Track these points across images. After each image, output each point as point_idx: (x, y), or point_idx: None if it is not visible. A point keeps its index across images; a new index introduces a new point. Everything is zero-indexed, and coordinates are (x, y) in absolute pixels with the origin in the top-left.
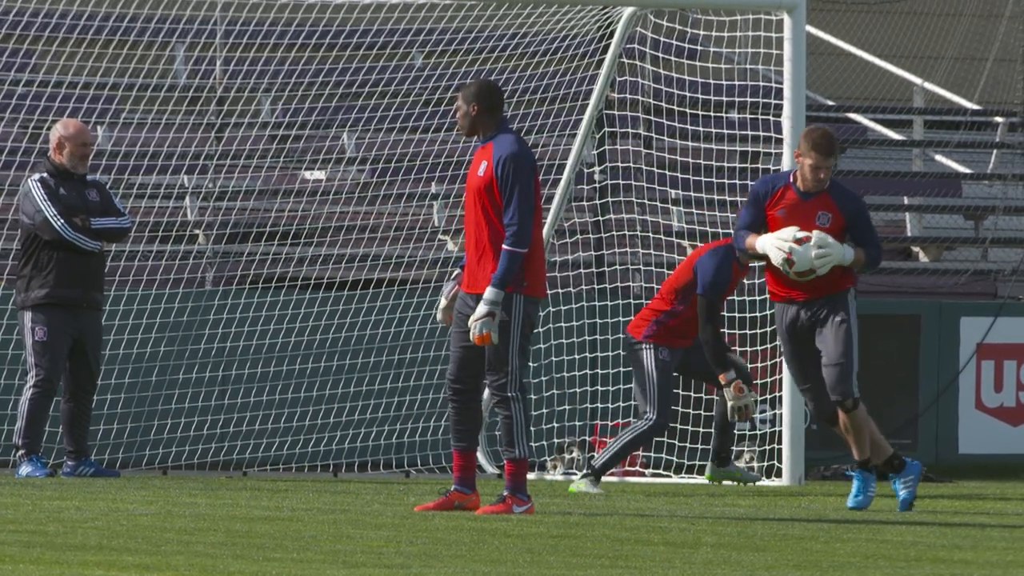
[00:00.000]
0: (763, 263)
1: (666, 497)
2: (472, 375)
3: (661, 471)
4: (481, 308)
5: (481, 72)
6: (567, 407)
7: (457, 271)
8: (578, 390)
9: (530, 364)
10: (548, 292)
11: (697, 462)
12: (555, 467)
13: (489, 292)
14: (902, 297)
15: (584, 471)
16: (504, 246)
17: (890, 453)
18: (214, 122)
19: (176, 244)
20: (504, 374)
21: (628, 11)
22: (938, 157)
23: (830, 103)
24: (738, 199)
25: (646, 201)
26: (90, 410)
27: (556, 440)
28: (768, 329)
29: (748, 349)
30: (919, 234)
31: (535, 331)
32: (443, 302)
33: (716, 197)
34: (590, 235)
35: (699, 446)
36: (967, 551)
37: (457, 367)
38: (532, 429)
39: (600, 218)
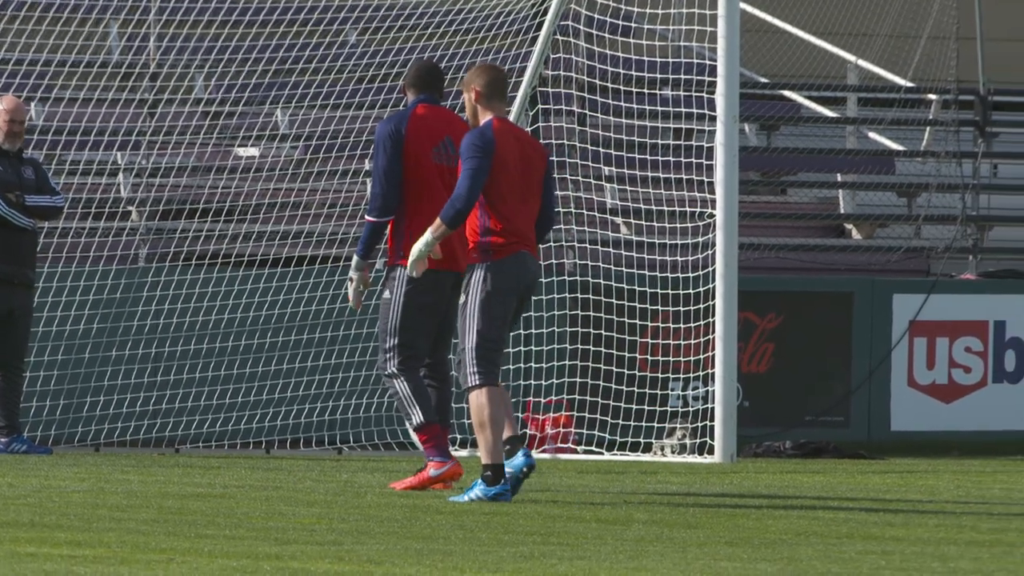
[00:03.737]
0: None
1: (598, 474)
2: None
3: (593, 448)
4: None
5: (415, 49)
6: (501, 384)
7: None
8: (511, 367)
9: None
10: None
11: (630, 439)
12: None
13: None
14: (835, 274)
15: None
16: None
17: (491, 462)
18: (147, 98)
19: (109, 221)
20: (385, 351)
21: None
22: (871, 134)
23: (764, 80)
24: (671, 176)
25: (580, 178)
26: (21, 386)
27: None
28: (701, 306)
29: (682, 326)
30: (852, 211)
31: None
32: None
33: (650, 174)
34: None
35: (632, 423)
36: (899, 528)
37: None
38: (427, 395)
39: None
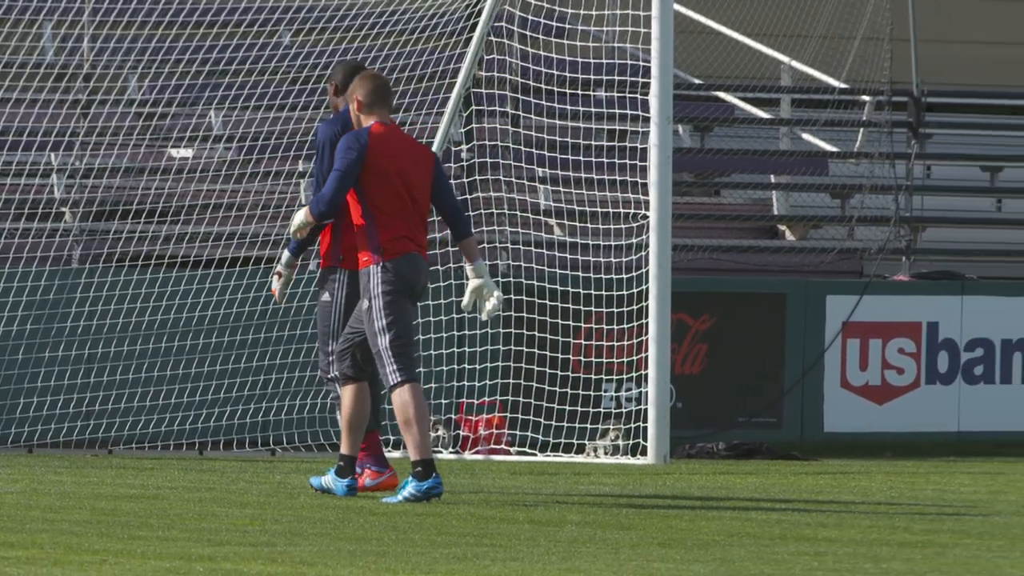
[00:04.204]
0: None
1: (531, 476)
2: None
3: (526, 449)
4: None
5: (349, 50)
6: (433, 385)
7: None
8: (444, 368)
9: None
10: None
11: (563, 440)
12: None
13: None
14: (768, 275)
15: None
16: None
17: (420, 458)
18: (81, 99)
19: (42, 222)
20: (327, 354)
21: None
22: (805, 136)
23: (697, 81)
24: (606, 177)
25: (514, 179)
26: None
27: None
28: (635, 307)
29: (615, 327)
30: (786, 212)
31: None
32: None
33: (584, 175)
34: None
35: (565, 424)
36: (832, 529)
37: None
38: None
39: (467, 196)
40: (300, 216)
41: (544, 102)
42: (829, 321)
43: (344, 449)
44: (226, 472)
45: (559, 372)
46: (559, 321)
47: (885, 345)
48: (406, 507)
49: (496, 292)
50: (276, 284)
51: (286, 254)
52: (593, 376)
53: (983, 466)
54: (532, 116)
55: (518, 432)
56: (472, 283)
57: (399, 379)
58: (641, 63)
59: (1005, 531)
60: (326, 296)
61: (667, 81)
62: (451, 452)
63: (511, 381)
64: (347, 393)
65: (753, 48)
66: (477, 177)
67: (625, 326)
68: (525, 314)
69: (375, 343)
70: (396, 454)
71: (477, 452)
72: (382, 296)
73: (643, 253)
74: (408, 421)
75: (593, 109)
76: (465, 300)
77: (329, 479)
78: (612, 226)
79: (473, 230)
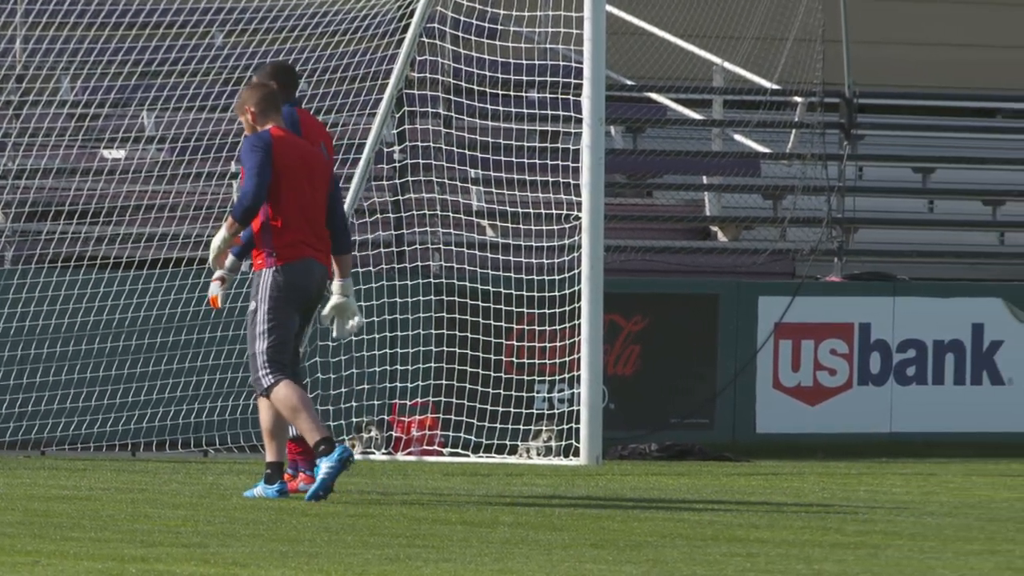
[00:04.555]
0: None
1: (464, 476)
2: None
3: (459, 450)
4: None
5: (282, 51)
6: (366, 386)
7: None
8: (377, 369)
9: (325, 343)
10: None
11: (496, 441)
12: (353, 446)
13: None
14: (700, 276)
15: None
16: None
17: (319, 438)
18: (13, 100)
19: None
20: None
21: None
22: (737, 137)
23: (630, 83)
24: (538, 178)
25: (446, 180)
26: None
27: (354, 419)
28: (567, 308)
29: (548, 328)
30: (718, 213)
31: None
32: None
33: (516, 176)
34: (390, 214)
35: (498, 425)
36: (764, 530)
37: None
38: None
39: (400, 197)
40: (220, 235)
41: (476, 103)
42: (761, 322)
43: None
44: (159, 473)
45: (492, 373)
46: (491, 322)
47: (817, 346)
48: (338, 508)
49: (358, 316)
50: (219, 290)
51: (231, 259)
52: (526, 377)
53: (915, 467)
54: (464, 117)
55: (451, 433)
56: (335, 299)
57: (272, 380)
58: (573, 64)
59: (937, 532)
60: (252, 304)
61: (599, 82)
62: (384, 453)
63: (444, 382)
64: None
65: (685, 49)
66: (410, 178)
67: (558, 327)
68: (458, 315)
69: (253, 346)
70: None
71: (410, 453)
72: (269, 300)
73: (575, 254)
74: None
75: (525, 110)
76: (325, 312)
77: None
78: (545, 227)
79: (352, 249)
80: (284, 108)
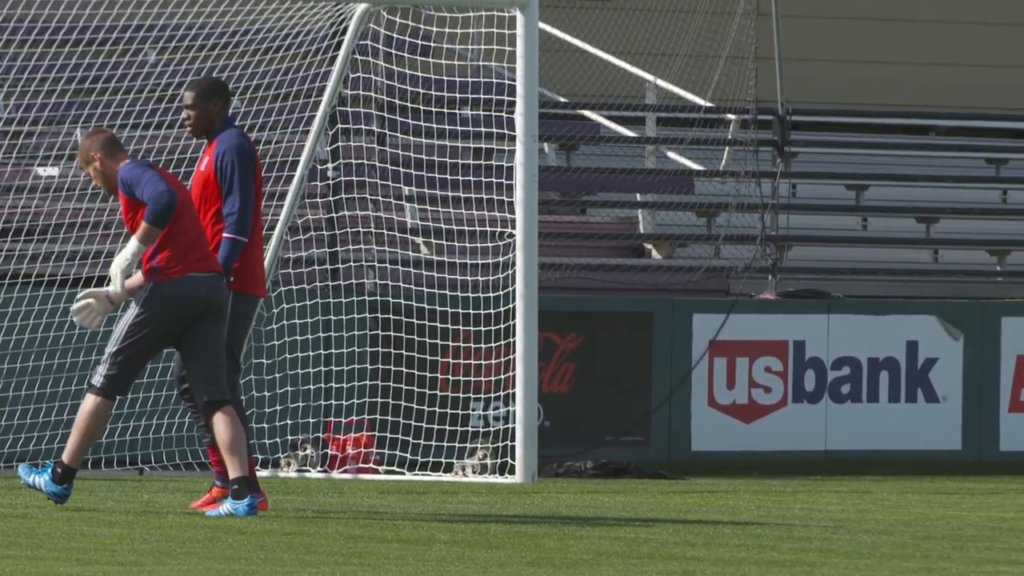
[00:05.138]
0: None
1: (399, 495)
2: None
3: (395, 468)
4: None
5: (214, 68)
6: (300, 404)
7: None
8: (312, 387)
9: (260, 361)
10: (267, 291)
11: (431, 459)
12: (288, 464)
13: None
14: (635, 294)
15: None
16: (225, 234)
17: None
18: None
19: None
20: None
21: (361, 7)
22: (671, 154)
23: (563, 100)
24: (472, 195)
25: (380, 198)
26: None
27: (290, 437)
28: (502, 326)
29: (483, 346)
30: (652, 231)
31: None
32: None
33: (450, 194)
34: (323, 232)
35: (433, 443)
36: (699, 548)
37: (179, 366)
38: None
39: (333, 215)
40: (131, 247)
41: (410, 120)
42: (696, 340)
43: (233, 472)
44: (94, 491)
45: (427, 391)
46: (426, 340)
47: (752, 364)
48: (274, 526)
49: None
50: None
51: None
52: (461, 395)
53: (850, 485)
54: (398, 134)
55: (386, 451)
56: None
57: (98, 387)
58: (506, 81)
59: (873, 550)
60: None
61: (532, 99)
62: (319, 471)
63: (379, 400)
64: (219, 419)
65: (618, 66)
66: (343, 195)
67: (492, 345)
68: (392, 333)
69: (109, 344)
70: (265, 472)
71: (345, 471)
72: (140, 314)
73: (510, 271)
74: (77, 426)
75: (459, 127)
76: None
77: (227, 507)
78: (479, 244)
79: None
80: (232, 128)
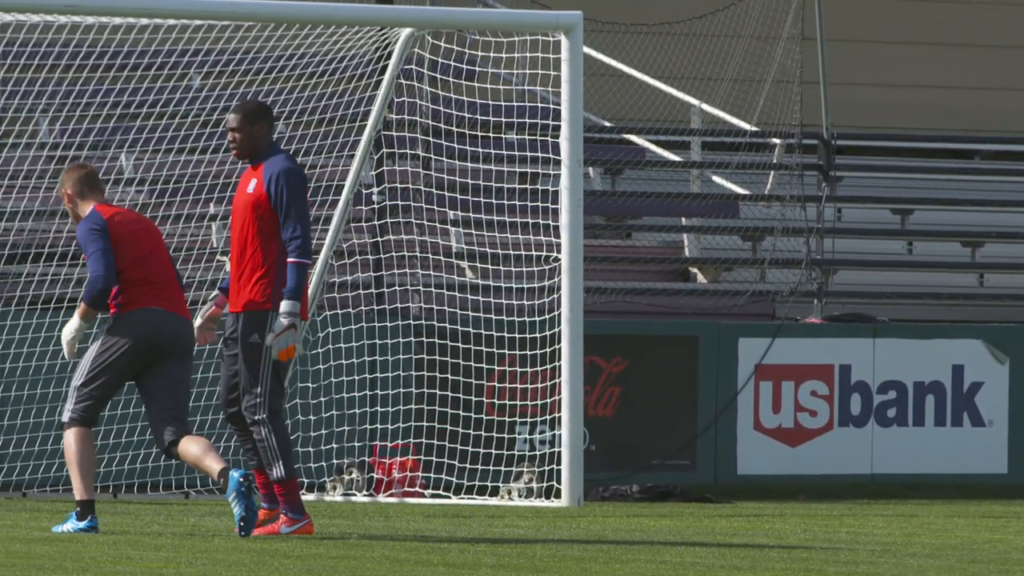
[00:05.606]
0: None
1: (445, 518)
2: (241, 395)
3: (440, 492)
4: (280, 322)
5: (259, 93)
6: (346, 428)
7: (215, 292)
8: (357, 411)
9: (305, 385)
10: (308, 314)
11: (477, 483)
12: (334, 488)
13: (285, 305)
14: (680, 318)
15: None
16: (290, 259)
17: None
18: None
19: None
20: (254, 396)
21: (406, 32)
22: (716, 178)
23: (608, 124)
24: (517, 220)
25: (425, 222)
26: None
27: (335, 461)
28: (548, 350)
29: (528, 370)
30: (697, 255)
31: (310, 352)
32: (198, 321)
33: (495, 218)
34: (369, 256)
35: (479, 467)
36: (746, 572)
37: (226, 390)
38: (292, 449)
39: (379, 239)
40: (73, 324)
41: (455, 144)
42: (742, 363)
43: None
44: (140, 515)
45: (472, 415)
46: (472, 363)
47: (798, 387)
48: (320, 550)
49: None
50: (298, 341)
51: (291, 303)
52: (507, 419)
53: (897, 508)
54: (443, 158)
55: (432, 475)
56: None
57: (69, 420)
58: (552, 106)
59: (919, 574)
60: (256, 338)
61: (577, 124)
62: (365, 495)
63: (424, 424)
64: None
65: (664, 91)
66: (388, 219)
67: (538, 369)
68: (438, 357)
69: (75, 377)
70: (311, 496)
71: (391, 495)
72: (105, 343)
73: (555, 296)
74: (69, 463)
75: (504, 152)
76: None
77: (69, 525)
78: (524, 268)
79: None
80: (280, 152)
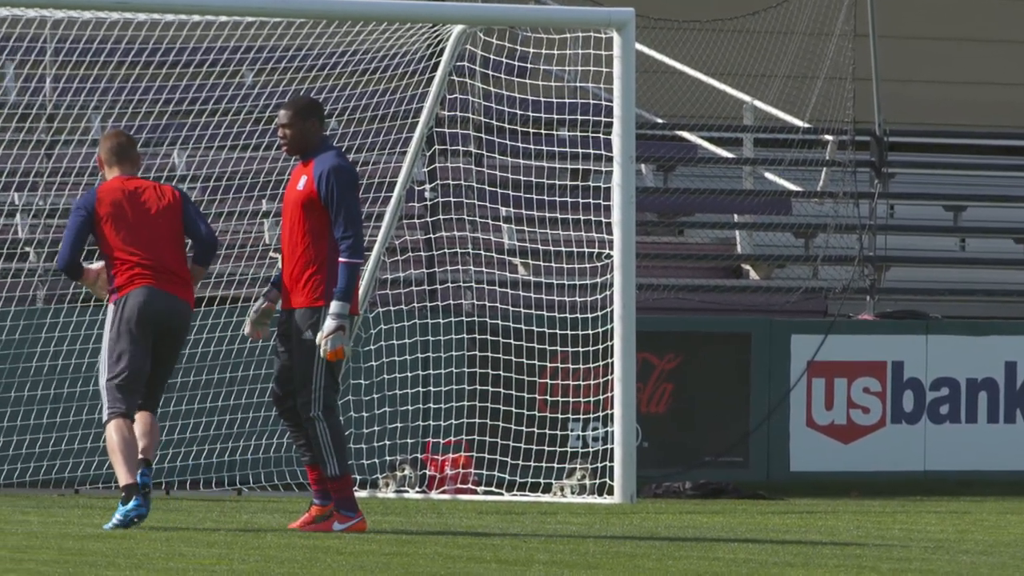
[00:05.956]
0: None
1: (498, 515)
2: (295, 391)
3: (493, 489)
4: (329, 323)
5: (312, 90)
6: (399, 425)
7: (268, 288)
8: (410, 408)
9: (358, 382)
10: (360, 310)
11: (530, 480)
12: (387, 485)
13: (335, 306)
14: (733, 315)
15: None
16: (341, 259)
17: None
18: (44, 139)
19: (7, 262)
20: (308, 392)
21: (457, 29)
22: (768, 175)
23: (660, 121)
24: (569, 216)
25: (477, 219)
26: None
27: (388, 458)
28: (600, 347)
29: (580, 367)
30: (750, 252)
31: (363, 349)
32: (252, 316)
33: (547, 215)
34: (421, 253)
35: (532, 463)
36: (799, 568)
37: (279, 385)
38: (346, 446)
39: (431, 236)
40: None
41: (507, 141)
42: (794, 360)
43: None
44: (193, 512)
45: (525, 411)
46: (524, 360)
47: (850, 384)
48: (373, 547)
49: None
50: (345, 343)
51: (342, 304)
52: (559, 415)
53: (950, 505)
54: (495, 155)
55: (485, 471)
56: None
57: (107, 416)
58: (604, 102)
59: (972, 571)
60: (309, 335)
61: (629, 120)
62: (418, 492)
63: (477, 420)
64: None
65: (716, 88)
66: (441, 216)
67: (590, 365)
68: (490, 354)
69: (100, 375)
70: (364, 493)
71: (444, 492)
72: (109, 332)
73: (607, 292)
74: (112, 451)
75: (556, 148)
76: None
77: (117, 514)
78: (576, 265)
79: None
80: (330, 148)
